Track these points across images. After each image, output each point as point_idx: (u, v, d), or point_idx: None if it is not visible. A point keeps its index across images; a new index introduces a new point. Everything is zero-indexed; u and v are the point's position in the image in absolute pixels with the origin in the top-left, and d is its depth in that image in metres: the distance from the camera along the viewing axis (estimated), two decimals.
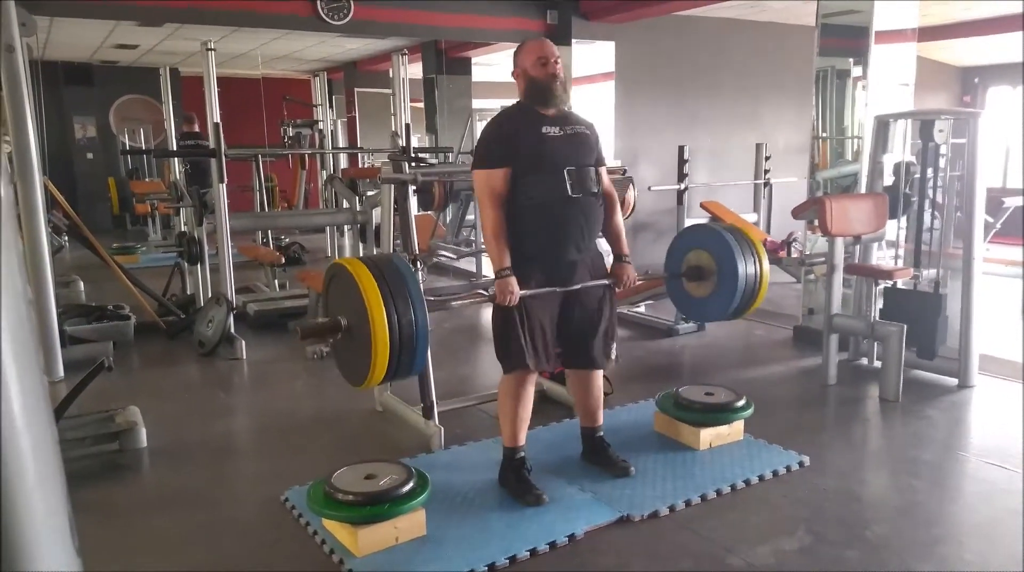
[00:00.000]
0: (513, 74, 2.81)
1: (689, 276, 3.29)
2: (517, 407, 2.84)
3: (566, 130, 2.74)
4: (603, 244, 2.99)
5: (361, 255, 2.50)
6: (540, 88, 2.71)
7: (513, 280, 2.65)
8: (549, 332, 2.80)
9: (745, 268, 3.11)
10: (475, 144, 2.88)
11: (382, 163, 4.28)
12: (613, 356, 3.09)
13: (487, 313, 3.45)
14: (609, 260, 2.99)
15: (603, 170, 2.88)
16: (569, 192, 2.67)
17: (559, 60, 2.73)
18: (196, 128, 8.74)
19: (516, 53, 2.80)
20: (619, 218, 2.96)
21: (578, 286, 2.79)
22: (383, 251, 4.08)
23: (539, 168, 2.66)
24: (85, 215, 6.08)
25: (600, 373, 3.06)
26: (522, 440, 2.89)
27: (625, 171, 5.31)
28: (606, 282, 2.89)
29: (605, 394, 3.80)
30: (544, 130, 2.69)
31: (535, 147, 2.67)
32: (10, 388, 0.69)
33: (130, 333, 5.18)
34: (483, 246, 3.04)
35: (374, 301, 2.29)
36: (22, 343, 0.71)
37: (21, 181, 4.09)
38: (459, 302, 2.90)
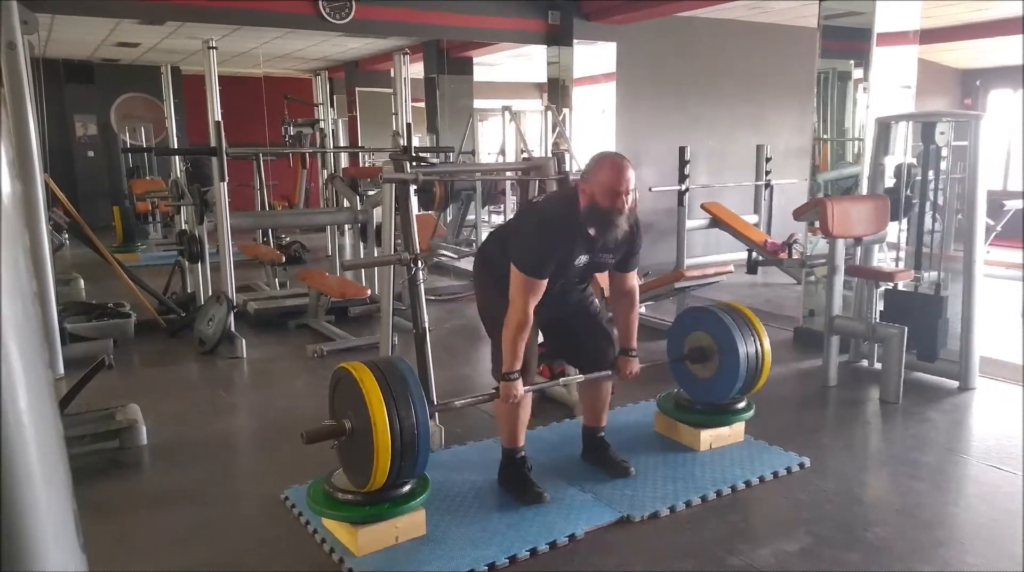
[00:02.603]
0: (580, 186, 2.66)
1: (691, 358, 3.31)
2: (516, 410, 2.84)
3: (594, 258, 2.75)
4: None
5: (366, 361, 2.53)
6: (601, 218, 2.60)
7: (519, 384, 2.71)
8: (536, 347, 2.92)
9: (746, 349, 3.12)
10: (518, 230, 2.78)
11: (383, 162, 4.28)
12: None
13: None
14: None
15: (631, 275, 2.92)
16: (553, 292, 2.76)
17: (631, 193, 2.60)
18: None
19: (591, 168, 2.65)
20: (635, 315, 3.00)
21: (581, 377, 2.98)
22: (384, 251, 4.07)
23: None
24: (85, 213, 6.07)
25: (609, 376, 3.08)
26: (521, 441, 2.90)
27: None
28: (608, 372, 2.99)
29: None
30: (576, 261, 2.70)
31: (559, 270, 2.69)
32: (16, 384, 0.69)
33: (130, 331, 5.18)
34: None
35: (377, 408, 2.33)
36: (28, 339, 0.71)
37: (22, 179, 4.09)
38: (463, 403, 2.96)
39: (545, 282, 2.65)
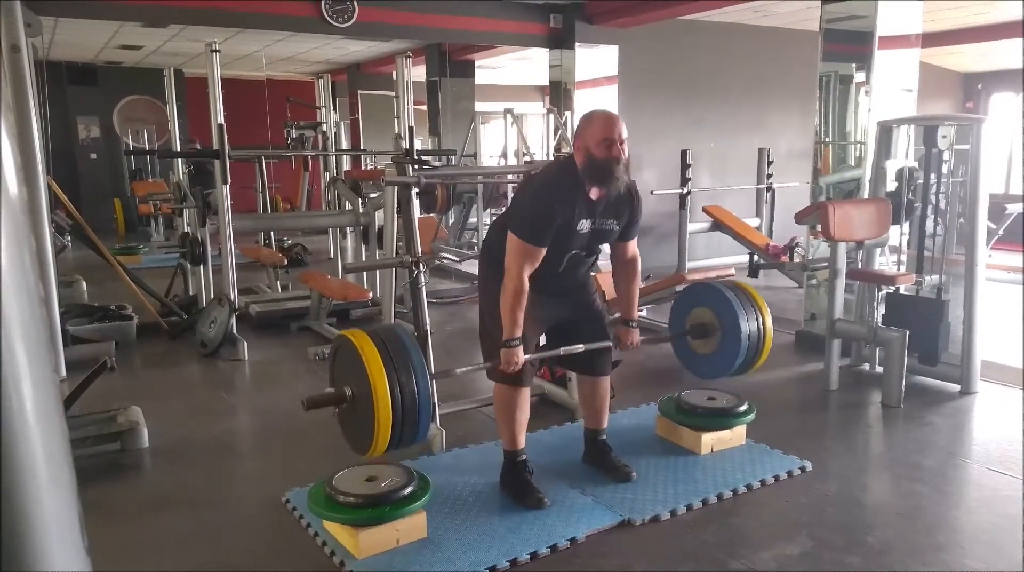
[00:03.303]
0: (574, 146, 2.69)
1: (693, 334, 3.31)
2: (514, 413, 2.84)
3: (597, 225, 2.73)
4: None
5: (366, 329, 2.52)
6: (599, 170, 2.61)
7: (520, 350, 2.68)
8: (534, 347, 2.88)
9: (748, 325, 3.12)
10: (516, 201, 2.79)
11: (385, 165, 4.29)
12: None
13: None
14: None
15: (631, 243, 2.92)
16: (559, 270, 2.76)
17: (625, 141, 2.61)
18: (198, 146, 8.78)
19: (581, 125, 2.68)
20: (636, 286, 3.00)
21: (581, 346, 2.88)
22: (386, 253, 4.08)
23: (550, 249, 2.68)
24: (88, 215, 6.09)
25: (607, 378, 3.09)
26: (521, 443, 2.89)
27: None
28: (608, 343, 2.96)
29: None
30: (579, 226, 2.68)
31: (562, 238, 2.67)
32: (22, 385, 0.70)
33: (132, 333, 5.19)
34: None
35: (378, 376, 2.33)
36: (34, 340, 0.72)
37: (25, 181, 4.09)
38: (462, 370, 2.96)
39: (543, 251, 2.63)
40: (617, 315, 3.08)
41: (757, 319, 3.16)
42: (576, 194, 2.65)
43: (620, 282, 3.01)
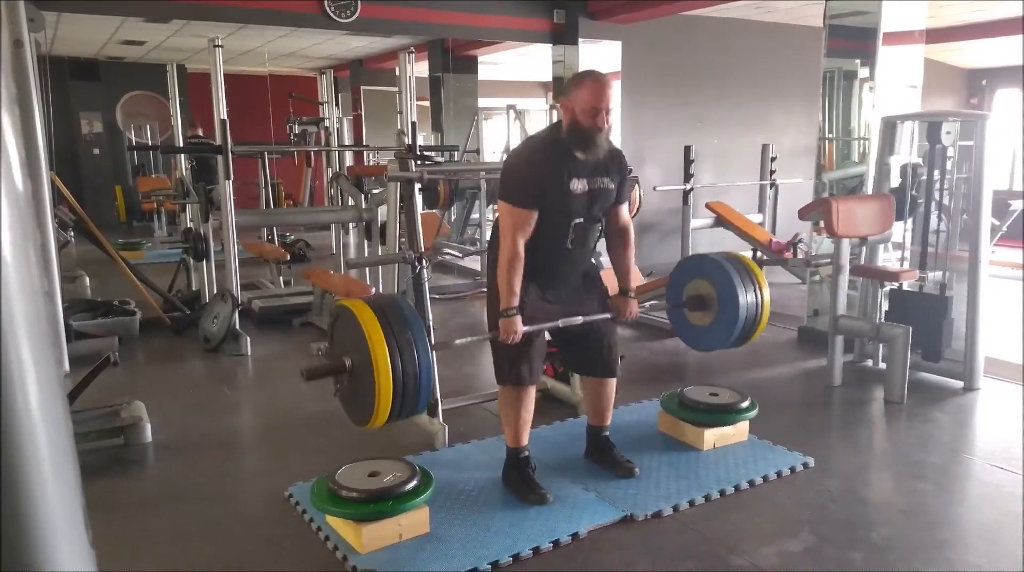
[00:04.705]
0: (560, 103, 2.68)
1: (690, 305, 3.29)
2: (519, 411, 2.84)
3: (592, 184, 2.69)
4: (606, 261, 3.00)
5: (364, 298, 2.50)
6: (582, 136, 2.60)
7: (518, 320, 2.65)
8: (543, 346, 2.87)
9: (746, 297, 3.10)
10: (504, 168, 2.76)
11: (388, 161, 4.28)
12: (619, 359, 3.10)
13: None
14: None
15: (623, 207, 2.87)
16: (568, 245, 2.72)
17: (611, 111, 2.61)
18: (200, 132, 8.77)
19: (570, 85, 2.65)
20: (630, 254, 2.96)
21: (579, 318, 2.83)
22: (388, 249, 4.08)
23: (550, 216, 2.66)
24: (91, 211, 6.09)
25: (614, 381, 3.06)
26: (525, 440, 2.89)
27: (631, 171, 5.28)
28: (607, 315, 2.93)
29: None
30: (572, 185, 2.64)
31: (556, 200, 2.64)
32: (27, 379, 0.70)
33: (135, 329, 5.20)
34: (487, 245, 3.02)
35: (377, 343, 2.31)
36: (39, 335, 0.72)
37: (28, 176, 4.10)
38: (461, 342, 2.93)
39: (534, 215, 2.61)
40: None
41: (755, 292, 3.13)
42: (561, 152, 2.63)
43: (614, 251, 2.97)
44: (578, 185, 2.65)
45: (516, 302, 2.65)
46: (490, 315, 2.82)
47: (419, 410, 2.47)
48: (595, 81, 2.61)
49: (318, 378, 2.43)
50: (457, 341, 2.97)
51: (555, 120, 2.76)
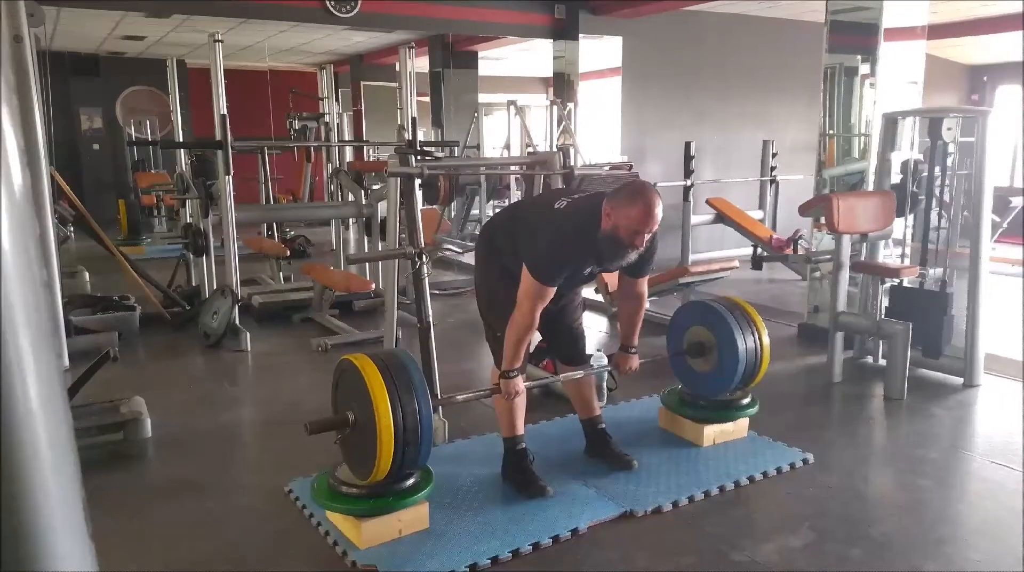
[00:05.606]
0: (605, 210, 2.57)
1: (691, 352, 3.31)
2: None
3: (605, 269, 2.83)
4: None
5: (369, 353, 2.53)
6: (617, 247, 2.58)
7: (519, 381, 2.75)
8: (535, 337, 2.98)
9: (745, 343, 3.13)
10: (536, 235, 2.69)
11: (388, 157, 4.27)
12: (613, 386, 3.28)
13: None
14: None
15: (643, 280, 2.93)
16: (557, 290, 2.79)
17: (650, 235, 2.59)
18: None
19: (620, 195, 2.55)
20: (640, 317, 3.04)
21: (579, 373, 3.06)
22: (388, 245, 4.08)
23: (563, 284, 2.73)
24: (90, 206, 6.08)
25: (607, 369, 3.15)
26: (520, 430, 2.91)
27: (631, 167, 5.30)
28: (606, 367, 3.14)
29: (610, 390, 3.82)
30: (586, 271, 2.75)
31: (568, 279, 2.72)
32: (27, 373, 0.69)
33: (135, 324, 5.20)
34: None
35: (380, 400, 2.33)
36: (38, 328, 0.72)
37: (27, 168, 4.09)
38: (464, 397, 2.96)
39: (555, 290, 2.67)
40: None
41: (754, 337, 3.17)
42: (592, 247, 2.64)
43: (624, 311, 3.06)
44: (592, 269, 2.77)
45: (519, 364, 2.73)
46: (484, 309, 2.96)
47: (419, 465, 2.52)
48: (647, 205, 2.50)
49: (322, 432, 2.46)
50: (459, 396, 2.98)
51: (597, 203, 2.64)
